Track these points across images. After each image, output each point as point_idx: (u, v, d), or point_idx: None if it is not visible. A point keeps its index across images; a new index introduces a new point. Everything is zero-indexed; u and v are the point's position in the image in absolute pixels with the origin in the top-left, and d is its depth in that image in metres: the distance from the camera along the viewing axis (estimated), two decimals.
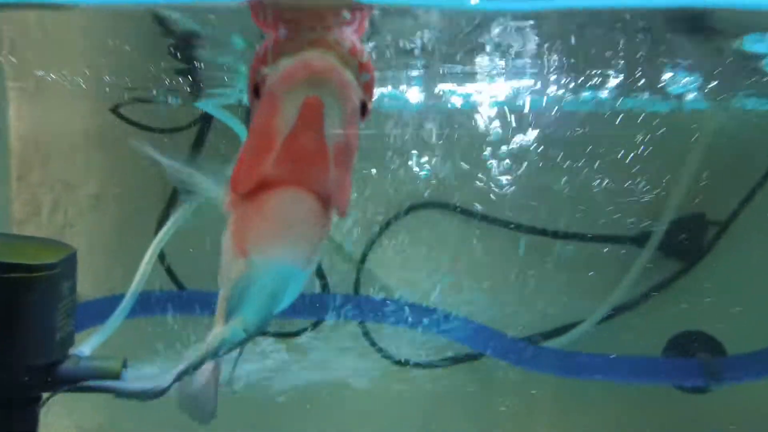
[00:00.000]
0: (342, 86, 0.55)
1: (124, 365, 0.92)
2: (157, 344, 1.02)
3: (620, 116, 1.18)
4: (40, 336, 0.84)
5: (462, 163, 1.21)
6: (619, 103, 1.11)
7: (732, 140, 1.20)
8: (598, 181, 1.22)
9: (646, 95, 1.10)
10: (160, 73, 1.01)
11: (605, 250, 1.28)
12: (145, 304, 1.13)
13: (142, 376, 0.90)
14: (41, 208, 1.31)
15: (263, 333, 0.69)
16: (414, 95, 1.13)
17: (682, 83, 1.03)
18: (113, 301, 1.11)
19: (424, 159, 1.23)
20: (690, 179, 1.23)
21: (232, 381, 0.79)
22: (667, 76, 0.99)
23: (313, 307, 1.19)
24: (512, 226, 1.25)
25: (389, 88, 1.08)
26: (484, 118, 1.18)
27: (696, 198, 1.25)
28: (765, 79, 0.99)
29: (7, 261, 0.80)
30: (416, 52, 0.86)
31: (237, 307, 0.62)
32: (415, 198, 1.30)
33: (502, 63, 0.95)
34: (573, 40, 0.83)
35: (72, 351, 0.94)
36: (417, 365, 1.27)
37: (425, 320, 1.19)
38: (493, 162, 1.20)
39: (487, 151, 1.19)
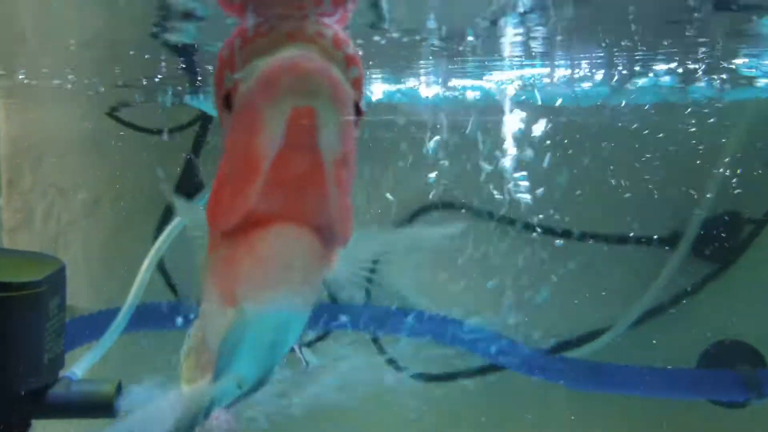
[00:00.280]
0: (335, 90, 0.44)
1: (119, 389, 0.85)
2: (156, 360, 0.94)
3: (652, 113, 1.11)
4: (27, 359, 0.77)
5: (485, 164, 1.13)
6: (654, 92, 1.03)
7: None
8: (627, 180, 1.15)
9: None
10: (158, 67, 0.94)
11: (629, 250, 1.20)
12: (143, 317, 1.06)
13: (137, 402, 0.83)
14: (34, 215, 1.24)
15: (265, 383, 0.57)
16: (427, 91, 1.06)
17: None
18: (109, 315, 1.04)
19: (443, 159, 1.16)
20: (724, 176, 1.15)
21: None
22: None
23: (322, 318, 1.12)
24: (538, 229, 1.18)
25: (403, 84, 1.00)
26: (508, 116, 1.10)
27: (731, 195, 1.17)
28: None
29: None
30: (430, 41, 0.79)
31: (229, 362, 0.53)
32: (430, 200, 1.22)
33: (528, 53, 0.88)
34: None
35: (63, 373, 0.87)
36: (434, 378, 1.20)
37: (447, 333, 1.11)
38: (517, 163, 1.13)
39: (512, 152, 1.12)
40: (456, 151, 1.15)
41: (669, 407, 1.16)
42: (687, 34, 0.76)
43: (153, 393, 0.82)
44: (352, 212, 0.49)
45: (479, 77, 1.02)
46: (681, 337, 1.17)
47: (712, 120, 1.14)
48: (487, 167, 1.14)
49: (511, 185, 1.14)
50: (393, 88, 1.04)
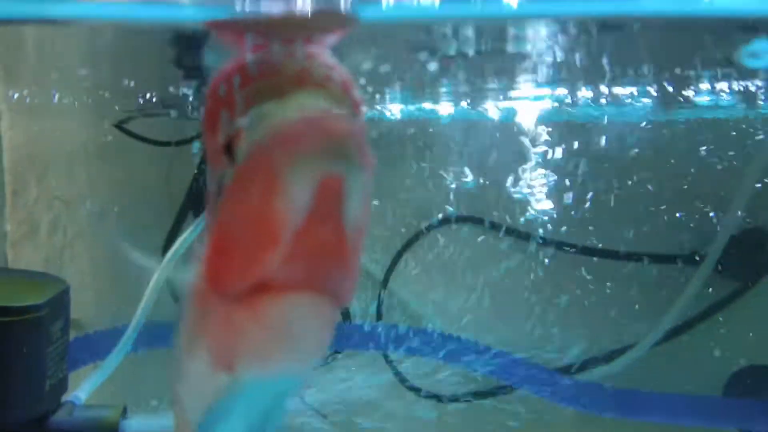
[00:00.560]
0: (363, 153, 0.40)
1: (124, 414, 0.82)
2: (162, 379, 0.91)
3: (671, 127, 1.08)
4: (27, 386, 0.74)
5: (501, 178, 1.10)
6: (673, 111, 1.00)
7: None
8: (647, 195, 1.11)
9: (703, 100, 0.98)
10: (165, 80, 0.91)
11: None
12: (151, 336, 1.03)
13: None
14: (39, 227, 1.22)
15: None
16: (445, 108, 1.03)
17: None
18: (114, 333, 1.01)
19: (463, 173, 1.14)
20: (749, 192, 1.11)
21: None
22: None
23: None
24: (554, 244, 1.14)
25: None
26: (523, 130, 1.07)
27: (756, 212, 1.13)
28: None
29: None
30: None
31: (212, 429, 0.49)
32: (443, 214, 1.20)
33: (540, 72, 0.84)
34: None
35: (66, 397, 0.85)
36: (448, 399, 1.17)
37: (459, 354, 1.08)
38: (534, 177, 1.10)
39: (528, 165, 1.08)
40: (476, 165, 1.12)
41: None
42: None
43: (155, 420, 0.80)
44: (358, 271, 0.45)
45: (502, 95, 0.99)
46: (706, 359, 1.13)
47: (737, 134, 1.11)
48: (507, 182, 1.12)
49: (531, 201, 1.11)
50: (411, 107, 1.01)
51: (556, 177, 1.09)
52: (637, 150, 1.09)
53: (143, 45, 0.75)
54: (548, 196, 1.10)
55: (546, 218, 1.13)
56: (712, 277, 1.15)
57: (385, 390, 1.16)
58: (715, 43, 0.73)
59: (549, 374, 1.08)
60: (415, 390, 1.18)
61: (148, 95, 0.98)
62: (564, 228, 1.15)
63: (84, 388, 0.89)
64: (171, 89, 0.93)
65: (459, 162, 1.12)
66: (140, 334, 1.01)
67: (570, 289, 1.16)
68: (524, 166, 1.08)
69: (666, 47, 0.76)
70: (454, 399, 1.18)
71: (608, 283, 1.16)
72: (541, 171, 1.09)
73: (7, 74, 1.04)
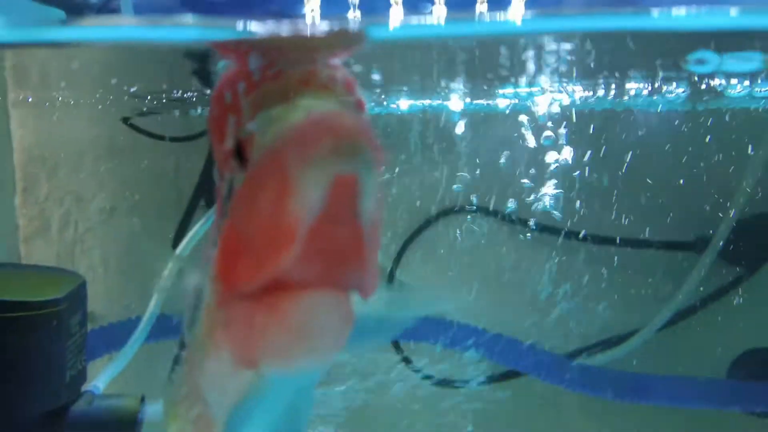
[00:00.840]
0: (374, 151, 0.40)
1: (142, 403, 0.84)
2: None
3: (678, 116, 1.09)
4: (49, 379, 0.76)
5: (507, 166, 1.11)
6: (681, 101, 1.01)
7: None
8: (653, 183, 1.13)
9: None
10: (174, 79, 0.92)
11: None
12: (165, 327, 1.04)
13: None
14: (50, 223, 1.23)
15: None
16: (455, 104, 1.04)
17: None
18: (128, 325, 1.02)
19: (465, 164, 1.15)
20: (753, 179, 1.13)
21: None
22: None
23: None
24: (562, 233, 1.16)
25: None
26: (531, 120, 1.08)
27: (759, 198, 1.14)
28: None
29: (7, 299, 0.72)
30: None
31: (241, 426, 0.49)
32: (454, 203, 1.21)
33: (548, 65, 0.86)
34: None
35: (85, 387, 0.86)
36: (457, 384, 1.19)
37: (467, 341, 1.09)
38: (540, 166, 1.11)
39: (534, 154, 1.10)
40: (481, 155, 1.13)
41: (695, 419, 1.14)
42: None
43: None
44: (377, 266, 0.46)
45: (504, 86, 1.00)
46: (710, 344, 1.15)
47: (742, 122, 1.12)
48: (513, 171, 1.13)
49: (536, 189, 1.13)
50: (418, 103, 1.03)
51: (563, 167, 1.10)
52: (644, 140, 1.11)
53: (150, 54, 0.77)
54: (556, 186, 1.12)
55: (554, 207, 1.14)
56: (718, 263, 1.16)
57: (394, 375, 1.19)
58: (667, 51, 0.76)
59: (557, 360, 1.10)
60: (425, 376, 1.19)
61: (154, 95, 0.99)
62: (571, 217, 1.17)
63: (102, 379, 0.91)
64: (176, 92, 0.95)
65: (469, 154, 1.14)
66: (153, 326, 1.03)
67: (578, 276, 1.18)
68: (532, 158, 1.10)
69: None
70: (464, 384, 1.19)
71: (616, 270, 1.18)
72: (549, 161, 1.10)
73: (17, 74, 1.05)
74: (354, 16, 0.56)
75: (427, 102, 1.05)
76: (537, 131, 1.08)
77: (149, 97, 1.00)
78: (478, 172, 1.14)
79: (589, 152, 1.08)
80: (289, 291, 0.42)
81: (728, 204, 1.14)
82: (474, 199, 1.19)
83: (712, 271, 1.16)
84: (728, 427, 1.15)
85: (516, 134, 1.09)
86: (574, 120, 1.08)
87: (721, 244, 1.13)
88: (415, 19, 0.56)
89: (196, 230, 1.05)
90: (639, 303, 1.18)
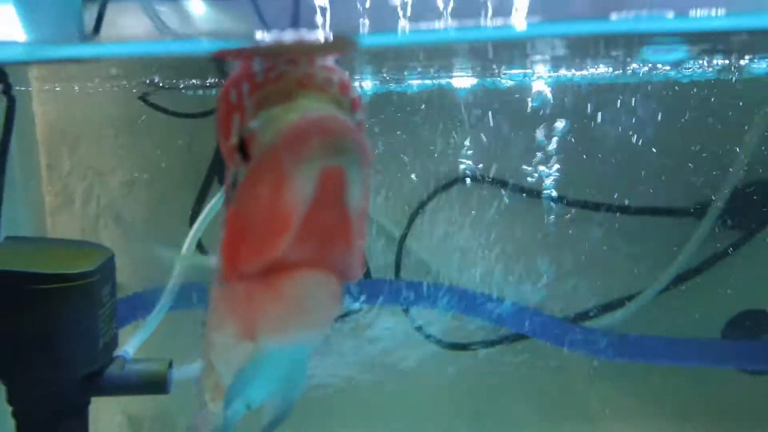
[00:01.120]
0: (361, 149, 0.46)
1: (170, 366, 0.90)
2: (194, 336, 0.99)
3: (678, 84, 1.11)
4: (84, 345, 0.82)
5: (511, 136, 1.15)
6: (680, 68, 1.03)
7: None
8: (654, 150, 1.16)
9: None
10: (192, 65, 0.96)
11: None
12: (187, 296, 1.10)
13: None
14: (73, 198, 1.28)
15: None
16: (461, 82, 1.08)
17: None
18: (154, 294, 1.08)
19: (471, 135, 1.18)
20: (752, 146, 1.15)
21: None
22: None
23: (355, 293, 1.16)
24: (565, 201, 1.20)
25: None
26: (534, 90, 1.11)
27: (758, 164, 1.17)
28: None
29: (44, 271, 0.77)
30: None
31: (242, 390, 0.56)
32: (460, 174, 1.25)
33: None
34: None
35: (116, 353, 0.93)
36: (465, 347, 1.24)
37: (473, 305, 1.14)
38: (544, 137, 1.14)
39: (537, 125, 1.13)
40: (486, 126, 1.17)
41: (696, 374, 1.19)
42: None
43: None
44: (363, 252, 0.51)
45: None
46: (706, 306, 1.19)
47: (741, 89, 1.14)
48: (515, 141, 1.16)
49: (538, 159, 1.16)
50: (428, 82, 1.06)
51: (566, 137, 1.13)
52: (644, 110, 1.13)
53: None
54: (559, 156, 1.15)
55: (557, 177, 1.17)
56: (717, 229, 1.20)
57: (404, 341, 1.24)
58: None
59: (561, 323, 1.15)
60: (435, 340, 1.25)
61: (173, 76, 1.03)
62: (574, 185, 1.20)
63: (131, 344, 0.97)
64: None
65: (474, 127, 1.17)
66: (176, 295, 1.09)
67: (582, 243, 1.22)
68: (534, 129, 1.13)
69: None
70: (476, 347, 1.24)
71: (617, 236, 1.22)
72: (552, 132, 1.13)
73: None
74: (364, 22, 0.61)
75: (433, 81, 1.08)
76: (539, 102, 1.11)
77: (166, 78, 1.03)
78: (483, 144, 1.18)
79: (590, 122, 1.12)
80: (284, 271, 0.47)
81: (728, 171, 1.17)
82: (476, 167, 1.23)
83: (711, 237, 1.20)
84: (726, 387, 1.20)
85: (518, 107, 1.12)
86: (578, 91, 1.11)
87: (719, 210, 1.17)
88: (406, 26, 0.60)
89: (211, 206, 1.11)
90: (640, 268, 1.22)
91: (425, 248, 1.28)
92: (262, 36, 0.57)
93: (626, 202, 1.20)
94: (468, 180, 1.25)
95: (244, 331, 0.53)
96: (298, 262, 0.47)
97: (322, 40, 0.57)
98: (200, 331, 0.71)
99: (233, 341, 0.55)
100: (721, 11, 0.62)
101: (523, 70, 1.01)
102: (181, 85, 1.04)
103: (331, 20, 0.60)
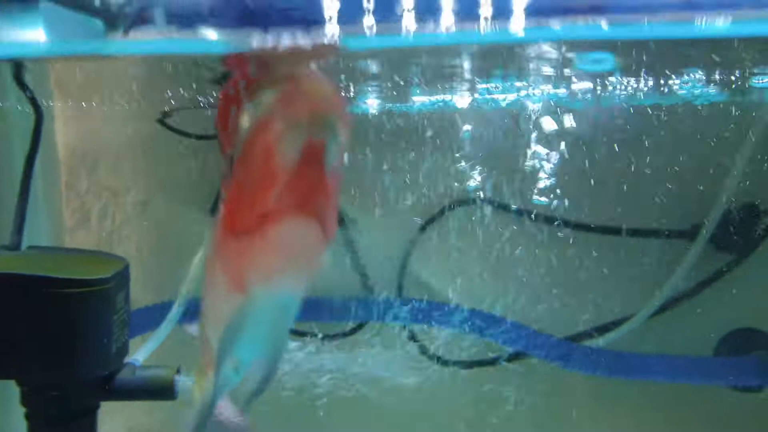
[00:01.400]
0: (341, 123, 0.55)
1: (178, 372, 0.94)
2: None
3: (668, 107, 1.16)
4: (98, 349, 0.86)
5: (503, 157, 1.19)
6: (668, 91, 1.08)
7: None
8: (646, 173, 1.20)
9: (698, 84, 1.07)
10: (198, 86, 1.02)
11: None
12: (197, 310, 1.14)
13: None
14: (90, 215, 1.34)
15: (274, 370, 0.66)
16: (459, 101, 1.13)
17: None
18: (163, 308, 1.13)
19: (465, 157, 1.23)
20: (742, 169, 1.20)
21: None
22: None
23: (357, 311, 1.20)
24: (557, 221, 1.24)
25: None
26: (527, 111, 1.17)
27: (747, 188, 1.21)
28: None
29: (63, 276, 0.82)
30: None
31: (230, 348, 0.62)
32: (456, 196, 1.29)
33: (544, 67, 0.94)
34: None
35: (127, 360, 0.97)
36: (462, 364, 1.27)
37: (469, 323, 1.18)
38: (536, 155, 1.19)
39: (530, 145, 1.18)
40: (483, 148, 1.22)
41: (686, 391, 1.21)
42: None
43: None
44: (336, 214, 0.60)
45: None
46: (698, 328, 1.22)
47: (733, 113, 1.19)
48: (512, 163, 1.21)
49: (534, 181, 1.21)
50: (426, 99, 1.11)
51: (559, 159, 1.18)
52: (636, 131, 1.18)
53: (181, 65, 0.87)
54: (552, 177, 1.19)
55: (550, 198, 1.22)
56: (708, 251, 1.24)
57: (405, 360, 1.27)
58: None
59: (557, 341, 1.18)
60: (435, 357, 1.28)
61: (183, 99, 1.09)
62: (571, 207, 1.24)
63: (140, 354, 1.01)
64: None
65: (470, 148, 1.22)
66: (186, 309, 1.13)
67: (576, 265, 1.26)
68: (529, 150, 1.18)
69: None
70: (472, 365, 1.27)
71: (613, 258, 1.26)
72: (546, 154, 1.18)
73: (58, 77, 1.16)
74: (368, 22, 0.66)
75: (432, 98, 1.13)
76: (534, 125, 1.16)
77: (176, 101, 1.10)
78: (479, 166, 1.23)
79: (584, 145, 1.16)
80: (274, 218, 0.55)
81: (718, 194, 1.21)
82: (474, 189, 1.27)
83: (704, 259, 1.23)
84: (720, 407, 1.22)
85: (515, 129, 1.17)
86: (571, 114, 1.16)
87: (711, 232, 1.20)
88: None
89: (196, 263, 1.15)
90: (634, 289, 1.25)
91: (427, 269, 1.32)
92: (260, 41, 0.64)
93: (623, 224, 1.25)
94: (467, 202, 1.29)
95: (235, 284, 0.59)
96: (284, 211, 0.55)
97: (308, 45, 0.64)
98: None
99: (224, 298, 0.62)
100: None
101: (518, 89, 1.06)
102: (196, 104, 1.11)
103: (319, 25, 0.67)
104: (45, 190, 1.25)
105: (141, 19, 0.78)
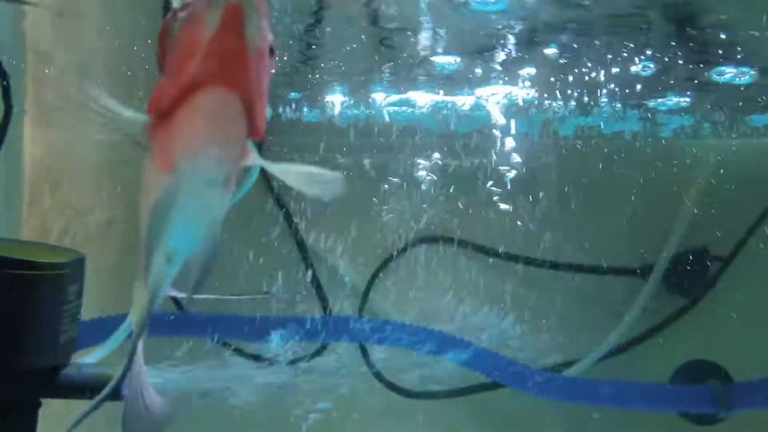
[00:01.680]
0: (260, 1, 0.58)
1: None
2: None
3: (623, 147, 1.22)
4: (44, 336, 0.83)
5: (464, 195, 1.23)
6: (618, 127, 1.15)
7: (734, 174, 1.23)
8: (600, 213, 1.24)
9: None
10: None
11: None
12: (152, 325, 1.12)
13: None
14: (50, 234, 1.33)
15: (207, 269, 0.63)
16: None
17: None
18: (117, 320, 1.10)
19: (425, 192, 1.27)
20: (692, 213, 1.25)
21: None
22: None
23: (314, 331, 1.18)
24: (514, 258, 1.27)
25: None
26: (485, 148, 1.21)
27: (698, 232, 1.26)
28: None
29: (15, 257, 0.81)
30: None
31: (160, 233, 0.61)
32: (416, 232, 1.32)
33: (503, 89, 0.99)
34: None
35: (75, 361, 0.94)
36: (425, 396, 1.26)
37: (432, 344, 1.18)
38: (493, 193, 1.23)
39: (487, 181, 1.22)
40: (438, 182, 1.25)
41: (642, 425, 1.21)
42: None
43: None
44: (266, 110, 0.61)
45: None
46: (655, 360, 1.24)
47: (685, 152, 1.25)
48: (465, 198, 1.25)
49: (486, 215, 1.24)
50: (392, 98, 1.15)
51: (513, 194, 1.22)
52: (595, 169, 1.23)
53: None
54: (505, 212, 1.23)
55: (505, 235, 1.25)
56: (660, 294, 1.27)
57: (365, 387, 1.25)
58: None
59: (513, 363, 1.17)
60: (399, 389, 1.26)
61: None
62: (527, 244, 1.28)
63: (91, 358, 0.98)
64: None
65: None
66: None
67: (531, 300, 1.27)
68: (483, 183, 1.22)
69: None
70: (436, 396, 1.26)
71: (569, 296, 1.28)
72: (498, 188, 1.22)
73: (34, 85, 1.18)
74: None
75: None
76: (491, 161, 1.21)
77: None
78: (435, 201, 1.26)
79: (540, 181, 1.21)
80: (196, 90, 0.56)
81: (671, 236, 1.26)
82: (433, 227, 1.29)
83: (657, 300, 1.26)
84: None
85: (474, 163, 1.22)
86: (528, 150, 1.21)
87: (661, 273, 1.24)
88: None
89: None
90: (589, 327, 1.27)
91: (389, 302, 1.33)
92: None
93: (579, 261, 1.28)
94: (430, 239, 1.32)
95: (162, 164, 0.59)
96: (205, 81, 0.56)
97: None
98: None
99: (154, 183, 0.61)
100: None
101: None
102: None
103: None
104: (5, 204, 1.24)
105: None
